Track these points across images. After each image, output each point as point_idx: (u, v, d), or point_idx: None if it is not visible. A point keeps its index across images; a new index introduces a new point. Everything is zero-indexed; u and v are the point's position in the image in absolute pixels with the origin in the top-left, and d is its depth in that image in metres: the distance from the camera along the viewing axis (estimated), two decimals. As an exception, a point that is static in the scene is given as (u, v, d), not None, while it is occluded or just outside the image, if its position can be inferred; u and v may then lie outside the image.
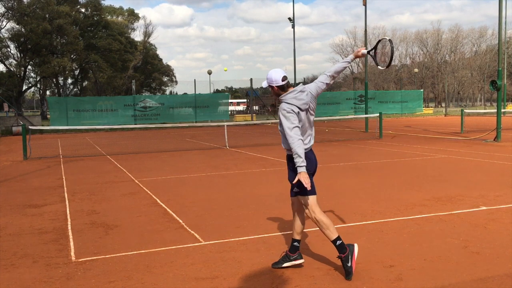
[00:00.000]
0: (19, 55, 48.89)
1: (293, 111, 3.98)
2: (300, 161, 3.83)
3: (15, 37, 46.56)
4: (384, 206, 6.64)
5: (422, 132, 21.87)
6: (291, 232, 4.33)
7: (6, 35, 46.98)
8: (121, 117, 32.06)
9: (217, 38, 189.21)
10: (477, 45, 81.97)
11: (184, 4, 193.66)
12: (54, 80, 54.64)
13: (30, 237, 5.56)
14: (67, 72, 52.31)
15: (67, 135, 26.94)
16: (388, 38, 4.44)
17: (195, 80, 35.64)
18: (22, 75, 48.84)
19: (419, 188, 7.93)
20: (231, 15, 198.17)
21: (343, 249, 3.96)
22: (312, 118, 4.19)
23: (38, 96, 68.25)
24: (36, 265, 4.55)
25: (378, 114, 19.64)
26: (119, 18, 67.86)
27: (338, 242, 3.98)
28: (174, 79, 76.37)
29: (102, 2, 56.31)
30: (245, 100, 67.61)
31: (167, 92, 73.60)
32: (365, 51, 4.29)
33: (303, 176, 3.80)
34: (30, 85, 54.18)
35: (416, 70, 64.89)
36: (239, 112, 55.40)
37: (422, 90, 49.42)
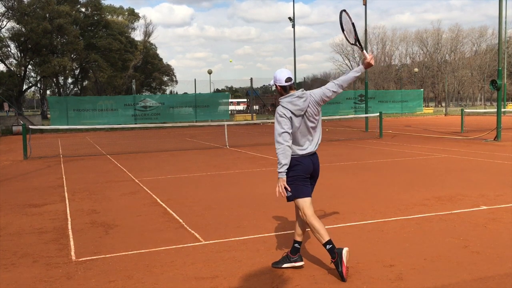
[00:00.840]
0: (19, 54, 48.91)
1: (285, 115, 3.96)
2: (279, 167, 3.92)
3: (15, 36, 46.58)
4: (384, 205, 6.64)
5: (422, 131, 21.86)
6: (292, 232, 4.33)
7: (6, 35, 47.02)
8: (121, 117, 32.07)
9: (217, 37, 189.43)
10: (477, 44, 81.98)
11: (184, 4, 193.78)
12: (54, 79, 54.63)
13: (30, 236, 5.56)
14: (67, 71, 52.29)
15: (67, 134, 26.94)
16: (342, 12, 4.28)
17: (195, 79, 35.70)
18: (22, 74, 48.84)
19: (419, 187, 7.93)
20: (231, 14, 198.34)
21: (333, 254, 3.93)
22: (311, 124, 4.09)
23: (38, 95, 68.24)
24: (36, 265, 4.55)
25: (378, 114, 19.64)
26: (119, 18, 67.83)
27: (328, 246, 3.95)
28: (174, 79, 76.42)
29: (102, 1, 56.35)
30: (245, 100, 67.60)
31: (167, 92, 73.62)
32: (368, 57, 4.10)
33: (279, 182, 3.92)
34: (30, 84, 54.20)
35: (416, 69, 64.83)
36: (239, 111, 55.42)
37: (422, 89, 49.44)
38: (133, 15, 69.85)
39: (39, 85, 55.78)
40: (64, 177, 10.33)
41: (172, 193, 8.09)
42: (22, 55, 48.32)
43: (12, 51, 49.40)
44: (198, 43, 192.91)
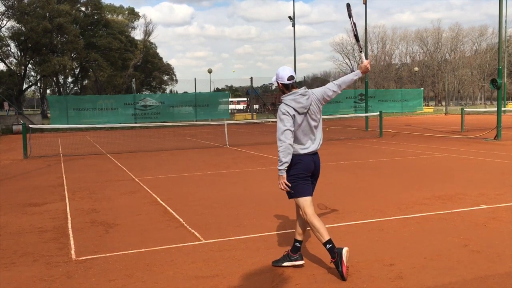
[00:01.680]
0: (19, 53, 48.90)
1: (289, 113, 3.97)
2: (280, 164, 3.97)
3: (15, 35, 46.56)
4: (384, 204, 6.64)
5: (422, 130, 21.86)
6: (292, 231, 4.33)
7: (6, 34, 47.00)
8: (121, 116, 32.06)
9: (218, 36, 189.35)
10: (478, 43, 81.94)
11: (184, 3, 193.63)
12: (55, 78, 54.59)
13: (30, 235, 5.56)
14: (67, 70, 52.30)
15: (67, 133, 26.95)
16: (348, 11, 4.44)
17: (195, 78, 35.67)
18: (22, 73, 48.83)
19: (419, 186, 7.92)
20: (232, 13, 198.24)
21: (333, 254, 3.93)
22: (313, 123, 4.11)
23: (38, 94, 68.18)
24: (36, 264, 4.55)
25: (378, 113, 19.63)
26: (119, 17, 67.78)
27: (328, 246, 3.95)
28: (174, 78, 76.41)
29: (102, 0, 56.41)
30: (245, 99, 67.57)
31: (167, 91, 73.66)
32: (365, 62, 4.23)
33: (280, 179, 3.99)
34: (30, 83, 54.18)
35: (416, 68, 64.79)
36: (239, 111, 55.43)
37: (422, 88, 49.43)
38: (133, 14, 69.80)
39: (39, 84, 55.77)
40: (64, 176, 10.33)
41: (172, 192, 8.09)
42: (22, 54, 48.31)
43: (12, 50, 49.43)
44: (198, 42, 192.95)
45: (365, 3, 23.87)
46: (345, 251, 3.92)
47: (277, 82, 4.15)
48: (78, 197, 7.82)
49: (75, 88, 63.97)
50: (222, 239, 5.18)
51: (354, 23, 4.34)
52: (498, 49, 17.25)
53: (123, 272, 4.27)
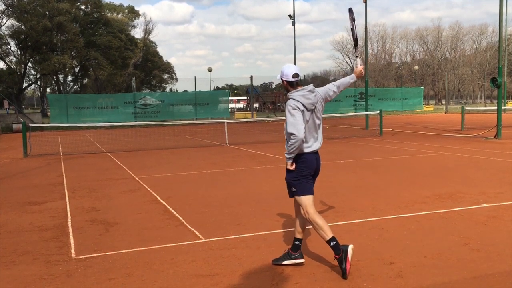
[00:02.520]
0: (19, 52, 48.92)
1: (298, 108, 3.99)
2: (288, 157, 4.04)
3: (15, 34, 46.56)
4: (385, 203, 6.64)
5: (422, 129, 21.85)
6: (292, 229, 4.33)
7: (6, 33, 47.03)
8: (121, 115, 32.04)
9: (218, 35, 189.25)
10: (478, 42, 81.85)
11: (184, 2, 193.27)
12: (54, 77, 54.61)
13: (30, 234, 5.55)
14: (67, 69, 52.32)
15: (67, 132, 26.94)
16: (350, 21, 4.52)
17: (195, 77, 35.61)
18: (22, 72, 48.84)
19: (419, 185, 7.92)
20: (232, 12, 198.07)
21: (338, 251, 3.94)
22: (318, 121, 4.16)
23: (38, 93, 68.22)
24: (36, 262, 4.55)
25: (378, 112, 19.62)
26: (119, 16, 67.78)
27: (333, 243, 3.96)
28: (174, 77, 76.38)
29: (102, -1, 56.34)
30: (245, 98, 67.57)
31: (167, 90, 73.67)
32: (360, 67, 4.39)
33: (288, 164, 4.07)
34: (30, 82, 54.21)
35: (416, 67, 64.79)
36: (239, 109, 55.42)
37: (422, 87, 49.41)
38: (133, 13, 69.80)
39: (39, 83, 55.81)
40: (64, 174, 10.33)
41: (172, 191, 8.08)
42: (22, 52, 48.32)
43: (12, 49, 49.50)
44: (198, 41, 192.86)
45: (365, 1, 23.85)
46: (350, 248, 3.96)
47: (282, 79, 4.17)
48: (78, 196, 7.82)
49: (75, 86, 64.00)
50: (222, 238, 5.18)
51: (355, 29, 4.43)
52: (499, 48, 17.24)
53: (123, 270, 4.27)
